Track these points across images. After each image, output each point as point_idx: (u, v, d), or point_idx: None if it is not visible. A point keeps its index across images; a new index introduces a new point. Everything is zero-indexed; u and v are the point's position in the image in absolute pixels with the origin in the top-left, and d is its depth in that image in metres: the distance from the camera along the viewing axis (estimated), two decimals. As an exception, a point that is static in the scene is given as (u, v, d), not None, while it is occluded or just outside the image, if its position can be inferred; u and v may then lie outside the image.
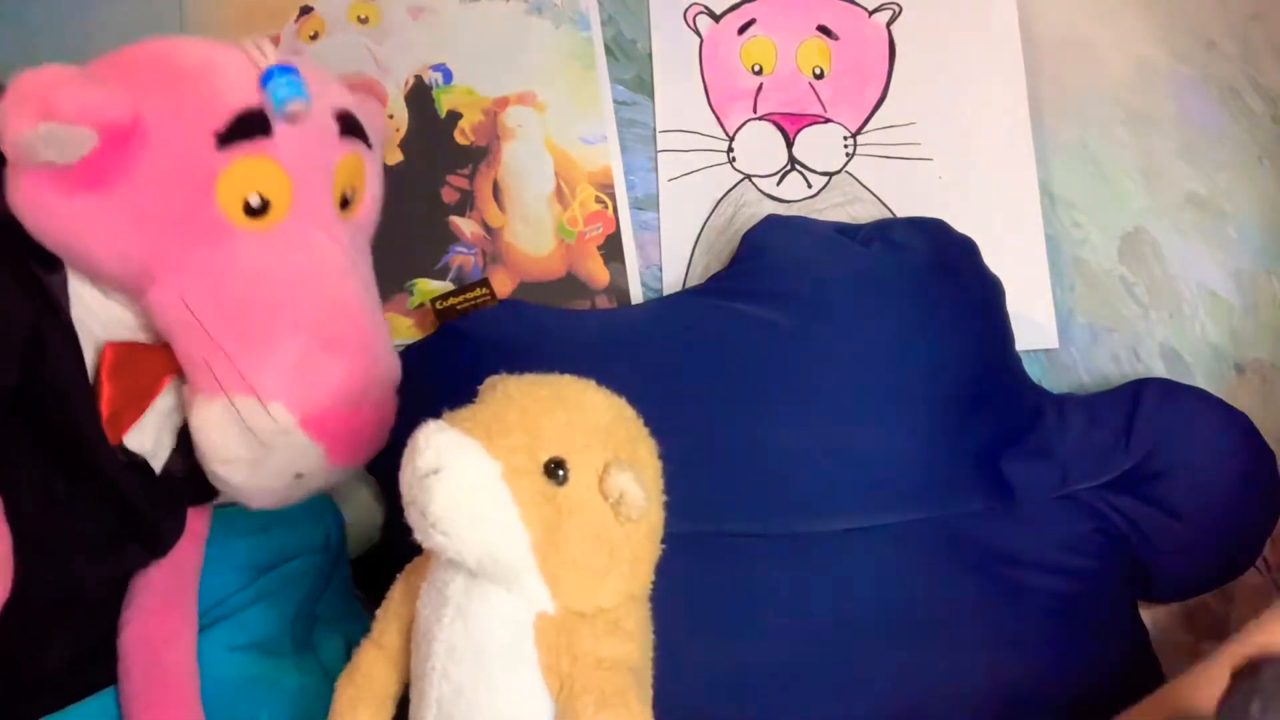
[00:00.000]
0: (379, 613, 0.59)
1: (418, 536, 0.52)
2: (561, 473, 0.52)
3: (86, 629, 0.66)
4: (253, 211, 0.60)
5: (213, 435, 0.59)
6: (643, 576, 0.56)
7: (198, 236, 0.59)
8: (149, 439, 0.64)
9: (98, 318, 0.62)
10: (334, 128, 0.64)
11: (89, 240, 0.59)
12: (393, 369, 0.64)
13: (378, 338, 0.63)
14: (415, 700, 0.55)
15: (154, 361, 0.62)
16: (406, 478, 0.51)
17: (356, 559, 0.79)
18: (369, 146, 0.67)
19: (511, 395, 0.54)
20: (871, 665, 0.69)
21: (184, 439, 0.65)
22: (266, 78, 0.60)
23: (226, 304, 0.59)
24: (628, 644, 0.54)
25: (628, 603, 0.55)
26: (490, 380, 0.57)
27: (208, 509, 0.71)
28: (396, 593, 0.59)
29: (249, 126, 0.59)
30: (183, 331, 0.59)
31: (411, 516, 0.51)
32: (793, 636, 0.69)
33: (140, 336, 0.63)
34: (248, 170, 0.59)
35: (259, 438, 0.58)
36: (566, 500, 0.52)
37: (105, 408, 0.61)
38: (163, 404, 0.64)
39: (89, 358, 0.62)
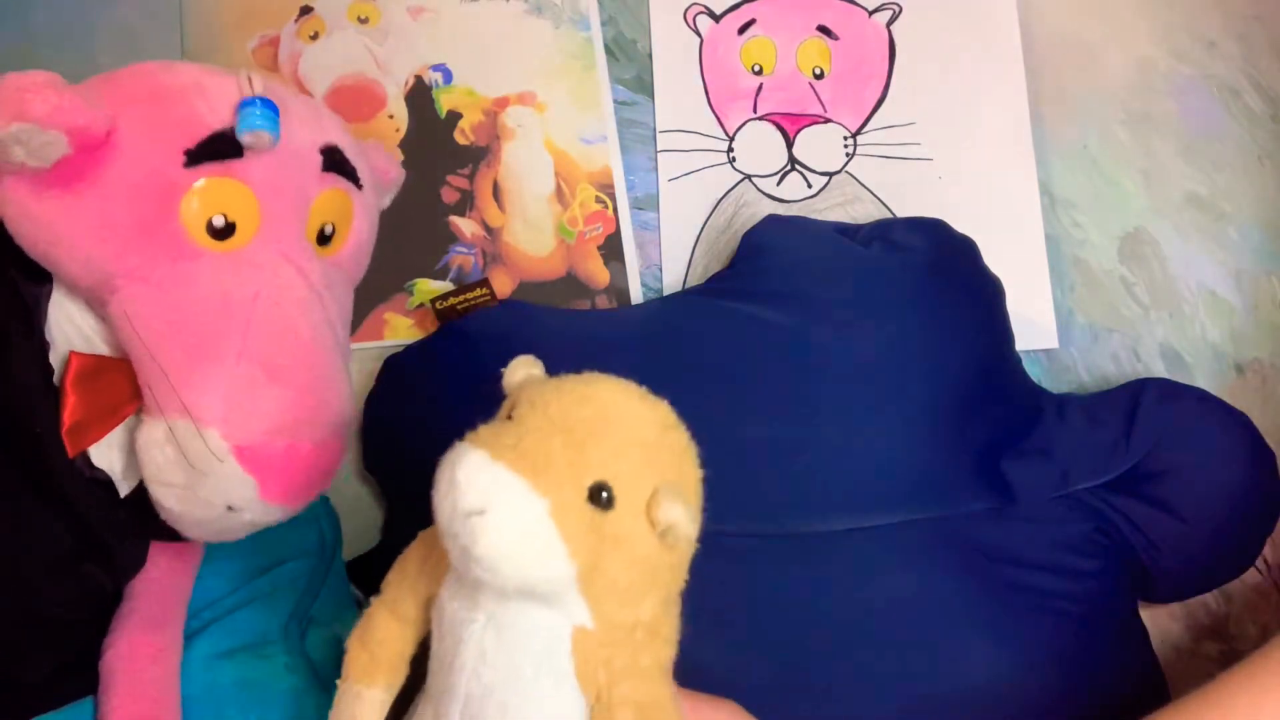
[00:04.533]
0: (393, 577, 0.58)
1: (456, 566, 0.51)
2: (606, 496, 0.50)
3: (61, 645, 0.65)
4: (216, 232, 0.59)
5: (152, 455, 0.58)
6: (679, 581, 0.55)
7: (158, 250, 0.58)
8: (118, 460, 0.62)
9: (81, 333, 0.61)
10: (317, 161, 0.63)
11: (57, 245, 0.58)
12: (342, 413, 0.62)
13: (330, 378, 0.61)
14: (439, 682, 0.54)
15: (126, 379, 0.60)
16: (447, 513, 0.48)
17: (355, 559, 0.79)
18: (358, 187, 0.66)
19: (554, 418, 0.51)
20: (871, 665, 0.69)
21: None
22: (244, 104, 0.60)
23: (177, 322, 0.58)
24: (665, 649, 0.54)
25: (665, 607, 0.54)
26: (518, 372, 0.55)
27: (198, 545, 0.69)
28: (412, 565, 0.57)
29: (220, 147, 0.59)
30: (133, 346, 0.58)
31: (451, 549, 0.49)
32: (792, 636, 0.69)
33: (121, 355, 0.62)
34: (214, 190, 0.59)
35: (192, 463, 0.57)
36: (612, 527, 0.50)
37: (67, 417, 0.60)
38: (137, 427, 0.62)
39: (59, 370, 0.61)
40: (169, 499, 0.58)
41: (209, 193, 0.58)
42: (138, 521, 0.63)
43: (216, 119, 0.59)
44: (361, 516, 0.81)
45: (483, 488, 0.47)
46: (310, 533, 0.77)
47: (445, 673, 0.53)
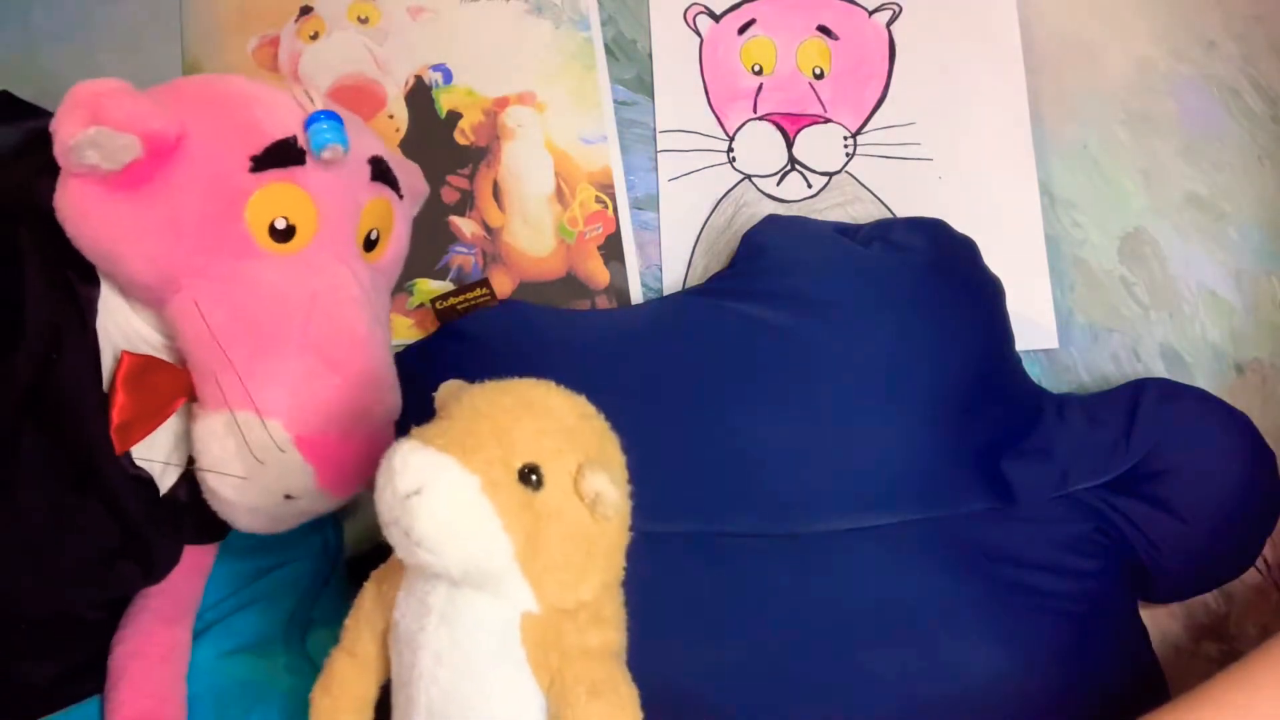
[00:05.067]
0: (348, 621, 0.59)
1: (400, 554, 0.53)
2: (535, 478, 0.53)
3: (77, 648, 0.66)
4: (278, 235, 0.62)
5: (211, 447, 0.61)
6: (617, 565, 0.58)
7: (223, 250, 0.61)
8: (159, 457, 0.65)
9: (124, 333, 0.64)
10: (366, 171, 0.67)
11: (122, 244, 0.61)
12: (394, 406, 0.66)
13: (383, 372, 0.65)
14: (402, 705, 0.55)
15: (171, 379, 0.63)
16: (387, 499, 0.51)
17: (355, 558, 0.79)
18: (399, 196, 0.70)
19: (479, 407, 0.54)
20: (871, 665, 0.69)
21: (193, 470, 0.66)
22: (312, 120, 0.64)
23: (241, 318, 0.61)
24: (610, 631, 0.56)
25: (605, 592, 0.57)
26: (446, 389, 0.58)
27: (211, 548, 0.71)
28: (366, 601, 0.59)
29: (284, 155, 0.63)
30: (196, 342, 0.61)
31: (394, 536, 0.52)
32: (792, 636, 0.69)
33: (163, 356, 0.65)
34: (278, 195, 0.62)
35: (254, 453, 0.60)
36: (544, 505, 0.53)
37: (116, 415, 0.62)
38: (177, 426, 0.65)
39: (108, 367, 0.63)
40: (226, 489, 0.61)
41: (272, 197, 0.62)
42: (176, 520, 0.66)
43: (278, 129, 0.63)
44: (361, 516, 0.81)
45: (416, 468, 0.50)
46: (313, 536, 0.77)
47: (405, 689, 0.55)
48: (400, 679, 0.56)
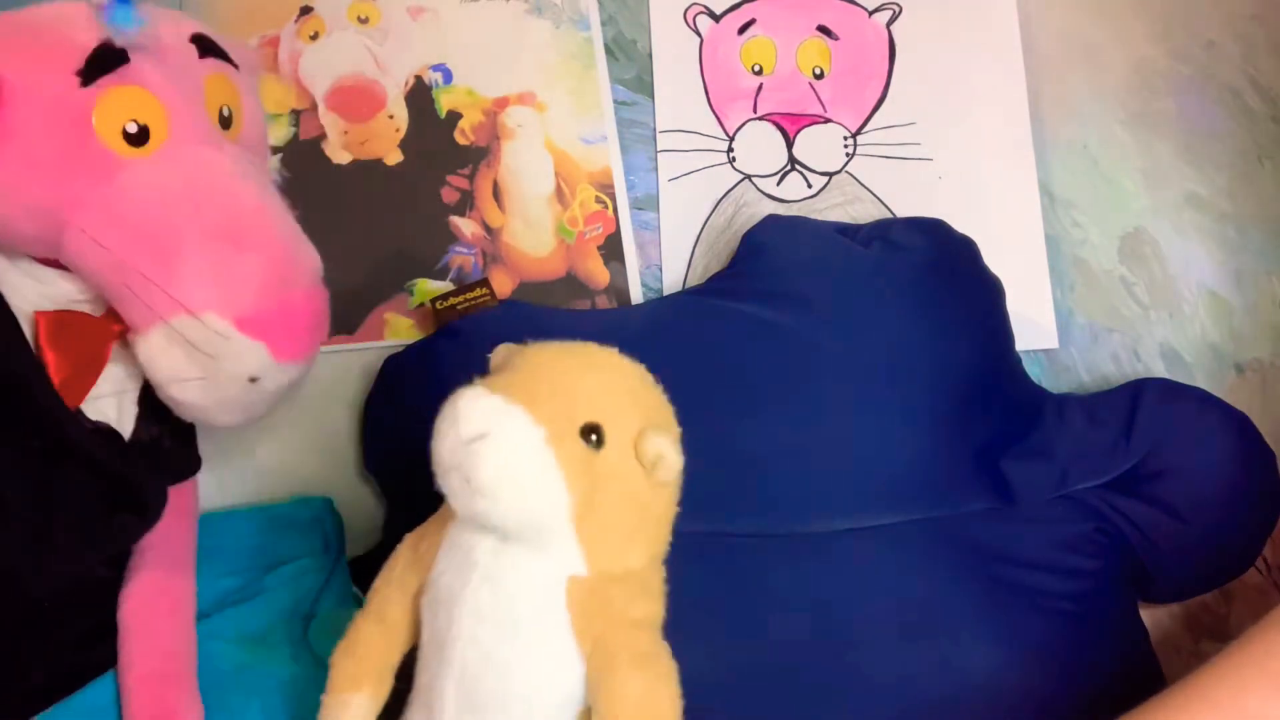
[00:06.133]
0: (378, 584, 0.59)
1: (456, 503, 0.52)
2: (596, 438, 0.52)
3: (93, 611, 0.66)
4: (133, 139, 0.61)
5: (161, 361, 0.60)
6: (665, 538, 0.57)
7: (89, 173, 0.60)
8: (110, 408, 0.65)
9: (28, 299, 0.63)
10: (192, 50, 0.66)
11: None
12: (315, 261, 0.65)
13: (291, 231, 0.64)
14: (433, 665, 0.54)
15: (93, 328, 0.63)
16: (449, 443, 0.50)
17: (356, 559, 0.79)
18: (235, 67, 0.69)
19: (542, 363, 0.54)
20: (871, 665, 0.69)
21: (146, 405, 0.66)
22: (106, 13, 0.62)
23: (132, 230, 0.60)
24: (655, 604, 0.55)
25: (653, 564, 0.56)
26: (503, 350, 0.57)
27: (193, 485, 0.71)
28: (399, 563, 0.58)
29: (106, 59, 0.61)
30: (104, 270, 0.60)
31: (451, 483, 0.51)
32: (792, 636, 0.69)
33: (75, 309, 0.64)
34: (118, 100, 0.61)
35: (203, 350, 0.59)
36: (603, 465, 0.52)
37: (54, 374, 0.62)
38: (115, 373, 0.64)
39: (29, 336, 0.63)
40: (191, 393, 0.61)
41: (113, 104, 0.60)
42: (150, 460, 0.66)
43: (89, 37, 0.61)
44: (361, 516, 0.81)
45: (484, 413, 0.50)
46: (314, 534, 0.77)
47: (441, 647, 0.54)
48: (434, 638, 0.54)
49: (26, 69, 0.60)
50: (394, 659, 0.58)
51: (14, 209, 0.60)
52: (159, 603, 0.67)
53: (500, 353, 0.58)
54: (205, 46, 0.67)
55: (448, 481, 0.51)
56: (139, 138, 0.61)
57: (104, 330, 0.63)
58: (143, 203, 0.60)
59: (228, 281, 0.60)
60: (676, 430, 0.57)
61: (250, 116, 0.69)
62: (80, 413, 0.63)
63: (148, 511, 0.66)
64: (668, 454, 0.53)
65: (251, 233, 0.61)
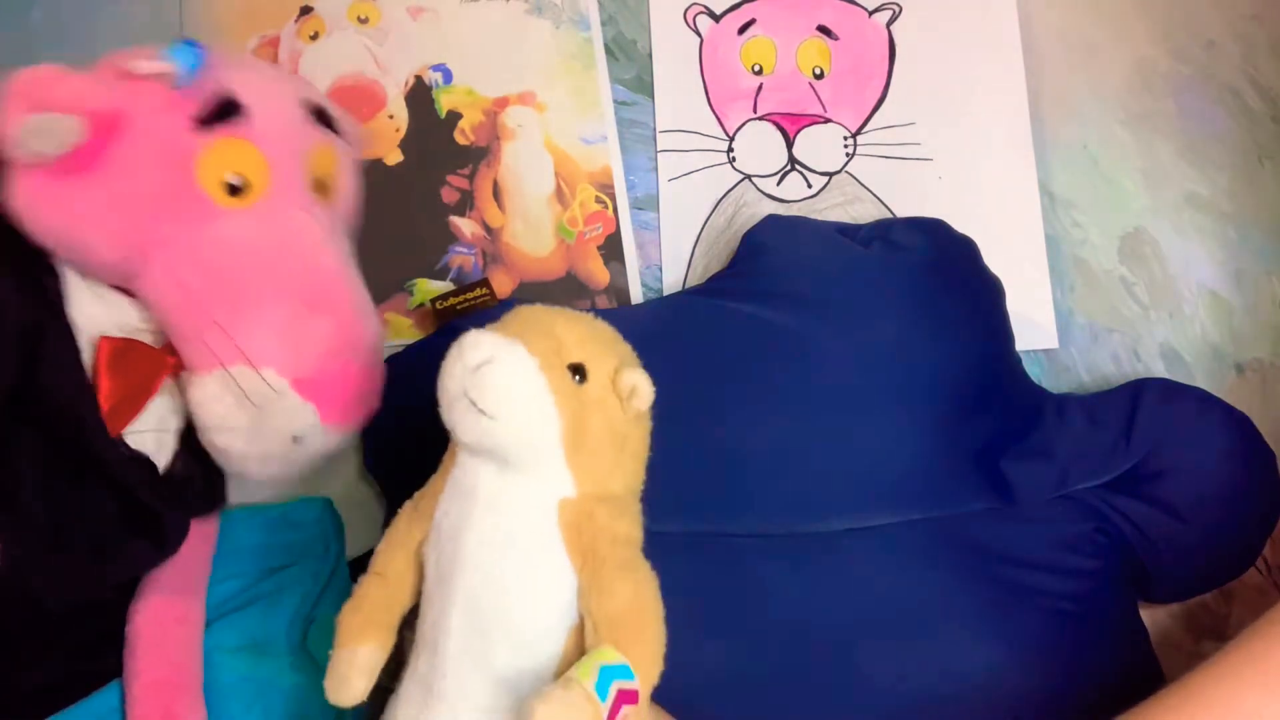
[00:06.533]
0: (380, 547, 0.62)
1: (461, 428, 0.57)
2: (580, 375, 0.59)
3: (99, 622, 0.67)
4: (233, 190, 0.63)
5: (212, 407, 0.62)
6: (640, 475, 0.63)
7: (182, 215, 0.62)
8: (149, 440, 0.65)
9: (94, 320, 0.64)
10: (305, 115, 0.68)
11: (82, 228, 0.62)
12: (378, 336, 0.67)
13: (362, 305, 0.66)
14: (436, 603, 0.59)
15: (149, 359, 0.64)
16: (456, 374, 0.56)
17: (356, 559, 0.79)
18: (342, 140, 0.71)
19: (531, 315, 0.61)
20: (871, 665, 0.69)
21: (185, 443, 0.66)
22: (174, 51, 0.64)
23: (214, 277, 0.62)
24: (635, 528, 0.61)
25: (631, 495, 0.62)
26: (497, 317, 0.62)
27: (213, 519, 0.72)
28: (401, 523, 0.62)
29: (224, 111, 0.63)
30: (176, 309, 0.62)
31: (458, 411, 0.57)
32: (792, 636, 0.69)
33: (136, 337, 0.65)
34: (225, 151, 0.63)
35: (254, 403, 0.61)
36: (587, 396, 0.59)
37: (104, 401, 0.63)
38: (161, 406, 0.65)
39: (86, 356, 0.63)
40: (235, 443, 0.63)
41: (220, 154, 0.63)
42: (179, 493, 0.67)
43: (214, 87, 0.64)
44: (362, 516, 0.81)
45: (488, 344, 0.57)
46: (315, 537, 0.77)
47: (444, 581, 0.58)
48: (438, 575, 0.59)
49: (149, 104, 0.62)
50: (398, 612, 0.61)
51: (102, 235, 0.62)
52: (168, 618, 0.68)
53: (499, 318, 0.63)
54: (317, 115, 0.69)
55: (454, 409, 0.57)
56: (238, 190, 0.63)
57: (159, 362, 0.64)
58: (229, 252, 0.62)
59: (294, 341, 0.62)
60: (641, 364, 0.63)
61: (346, 189, 0.71)
62: (121, 438, 0.64)
63: (166, 544, 0.67)
64: (641, 384, 0.60)
65: (326, 298, 0.63)
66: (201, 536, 0.71)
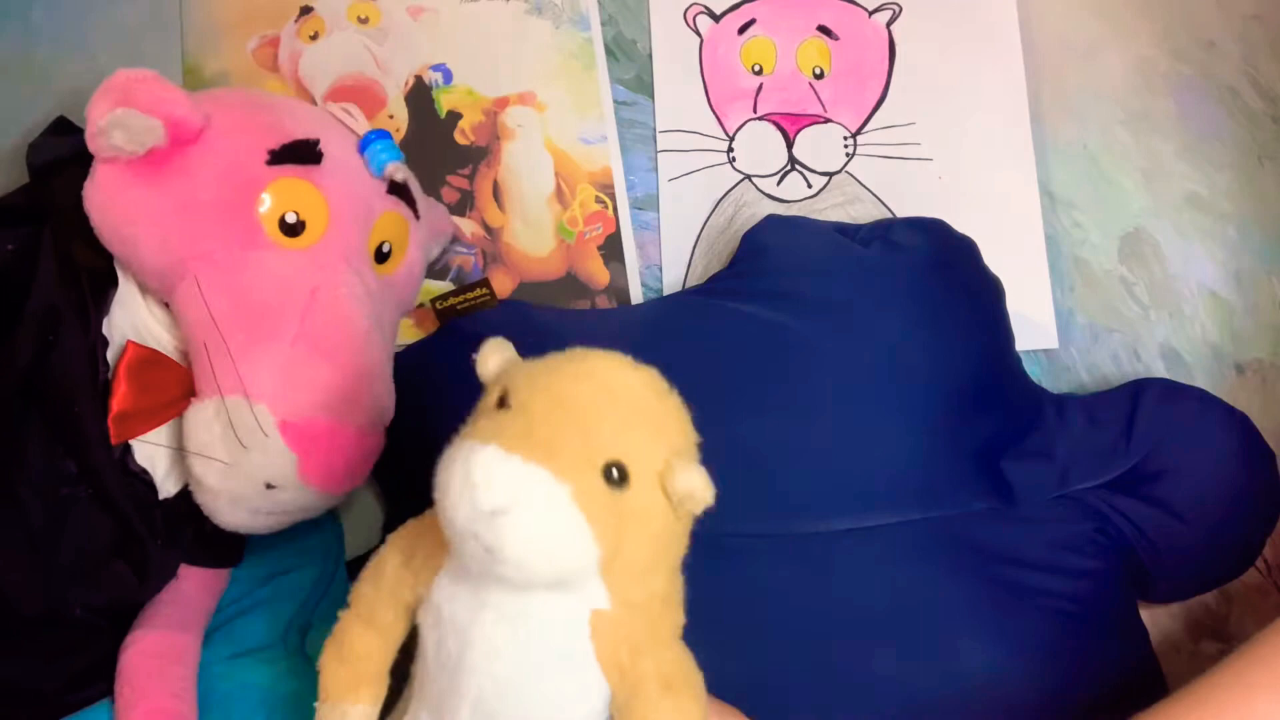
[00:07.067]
0: (367, 588, 0.56)
1: (473, 566, 0.49)
2: (619, 474, 0.49)
3: (77, 656, 0.66)
4: (288, 229, 0.64)
5: (199, 432, 0.62)
6: (684, 546, 0.54)
7: (232, 236, 0.63)
8: (161, 458, 0.65)
9: (137, 331, 0.65)
10: (383, 184, 0.69)
11: (138, 226, 0.63)
12: (386, 407, 0.66)
13: (378, 371, 0.65)
14: (442, 683, 0.52)
15: (177, 378, 0.64)
16: (465, 513, 0.46)
17: (355, 559, 0.79)
18: (416, 217, 0.72)
19: (555, 399, 0.49)
20: (871, 665, 0.69)
21: None
22: (368, 141, 0.68)
23: (240, 304, 0.62)
24: (676, 614, 0.54)
25: (672, 576, 0.54)
26: (494, 353, 0.54)
27: (224, 571, 0.72)
28: (389, 569, 0.55)
29: (302, 153, 0.65)
30: (197, 325, 0.62)
31: (469, 550, 0.47)
32: (792, 637, 0.69)
33: (175, 358, 0.66)
34: (291, 190, 0.64)
35: (239, 438, 0.60)
36: (627, 504, 0.49)
37: (116, 404, 0.63)
38: (178, 433, 0.65)
39: (114, 359, 0.64)
40: (210, 475, 0.62)
41: (286, 191, 0.64)
42: (172, 528, 0.66)
43: (299, 129, 0.65)
44: (361, 516, 0.81)
45: (505, 484, 0.45)
46: (313, 540, 0.77)
47: (448, 675, 0.52)
48: (439, 661, 0.52)
49: (232, 127, 0.64)
50: (389, 661, 0.56)
51: (151, 236, 0.63)
52: (164, 651, 0.66)
53: (492, 355, 0.54)
54: (396, 187, 0.70)
55: (465, 547, 0.47)
56: (294, 229, 0.64)
57: (184, 387, 0.64)
58: (263, 283, 0.63)
59: (293, 380, 0.61)
60: (697, 442, 0.54)
61: (409, 263, 0.72)
62: (127, 451, 0.64)
63: (147, 576, 0.66)
64: (698, 489, 0.50)
65: (340, 351, 0.63)
66: (209, 585, 0.70)
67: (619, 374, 0.52)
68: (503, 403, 0.50)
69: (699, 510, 0.52)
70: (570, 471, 0.47)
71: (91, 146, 0.62)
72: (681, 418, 0.54)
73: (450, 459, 0.47)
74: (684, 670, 0.52)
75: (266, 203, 0.63)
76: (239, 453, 0.60)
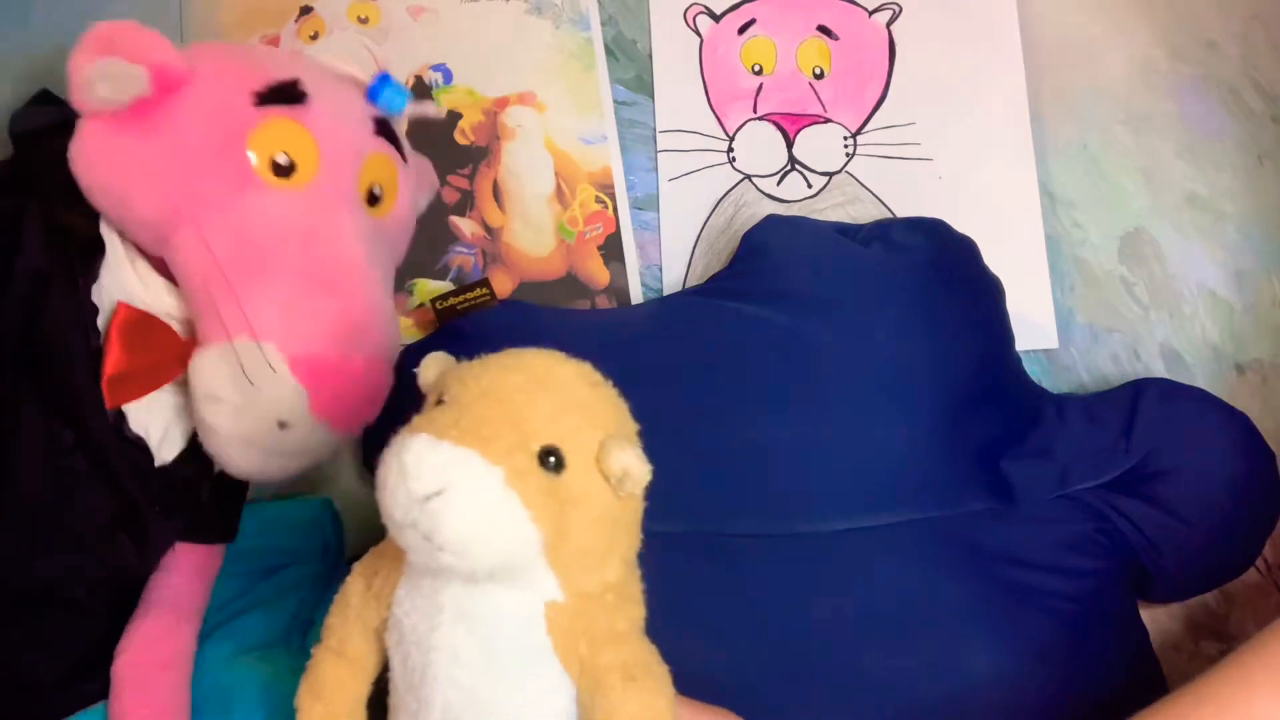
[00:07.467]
0: (332, 620, 0.56)
1: (417, 558, 0.49)
2: (555, 460, 0.50)
3: (70, 638, 0.66)
4: (279, 169, 0.63)
5: (206, 376, 0.61)
6: (637, 539, 0.55)
7: (226, 182, 0.63)
8: (156, 429, 0.65)
9: (127, 293, 0.65)
10: (371, 125, 0.68)
11: (129, 179, 0.63)
12: (392, 337, 0.66)
13: (381, 302, 0.65)
14: (409, 707, 0.52)
15: (169, 343, 0.64)
16: (400, 501, 0.47)
17: (355, 559, 0.79)
18: (403, 159, 0.71)
19: (487, 389, 0.50)
20: (871, 665, 0.69)
21: (194, 447, 0.65)
22: (378, 88, 0.68)
23: (240, 246, 0.62)
24: (636, 608, 0.54)
25: (628, 569, 0.54)
26: (434, 363, 0.55)
27: (218, 550, 0.71)
28: (353, 597, 0.55)
29: (287, 93, 0.65)
30: (199, 273, 0.62)
31: (409, 539, 0.48)
32: (793, 637, 0.69)
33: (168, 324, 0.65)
34: (280, 130, 0.64)
35: (249, 378, 0.60)
36: (567, 489, 0.50)
37: (109, 367, 0.63)
38: (176, 401, 0.65)
39: (105, 322, 0.64)
40: (220, 417, 0.62)
41: (274, 131, 0.63)
42: (170, 495, 0.66)
43: (282, 72, 0.65)
44: (361, 516, 0.81)
45: (435, 466, 0.46)
46: (314, 538, 0.77)
47: (415, 689, 0.52)
48: (407, 680, 0.52)
49: (216, 73, 0.64)
50: (363, 693, 0.56)
51: (146, 190, 0.62)
52: (157, 658, 0.66)
53: (431, 368, 0.55)
54: (382, 128, 0.70)
55: (404, 537, 0.48)
56: (285, 170, 0.64)
57: (177, 351, 0.64)
58: (261, 225, 0.62)
59: (299, 317, 0.61)
60: (634, 428, 0.55)
61: (399, 206, 0.71)
62: (122, 418, 0.64)
63: (146, 544, 0.66)
64: (633, 467, 0.50)
65: (341, 284, 0.63)
66: (200, 567, 0.70)
67: (549, 365, 0.53)
68: (440, 403, 0.52)
69: (639, 490, 0.52)
70: (501, 455, 0.47)
71: (76, 101, 0.62)
72: (617, 405, 0.54)
73: (386, 453, 0.48)
74: (645, 662, 0.52)
75: (257, 144, 0.63)
76: (250, 392, 0.60)
